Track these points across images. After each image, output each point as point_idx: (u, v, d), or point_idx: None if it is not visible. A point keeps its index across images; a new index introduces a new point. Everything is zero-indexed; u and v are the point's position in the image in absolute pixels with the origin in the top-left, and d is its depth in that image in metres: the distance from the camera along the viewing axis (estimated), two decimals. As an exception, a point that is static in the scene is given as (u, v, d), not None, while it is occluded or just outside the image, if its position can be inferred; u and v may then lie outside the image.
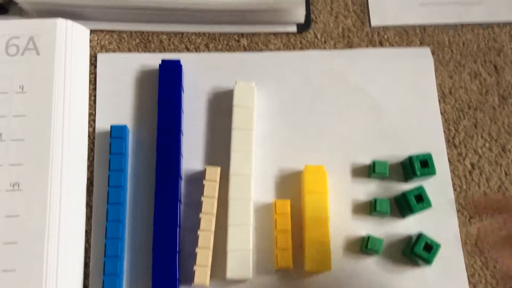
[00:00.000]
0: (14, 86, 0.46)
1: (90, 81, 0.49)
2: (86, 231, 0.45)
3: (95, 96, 0.49)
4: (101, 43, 0.50)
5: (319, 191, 0.45)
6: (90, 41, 0.50)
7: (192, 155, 0.48)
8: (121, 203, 0.44)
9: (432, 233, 0.45)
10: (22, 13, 0.50)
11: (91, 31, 0.50)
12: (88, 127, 0.48)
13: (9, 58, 0.46)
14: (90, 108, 0.48)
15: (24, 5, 0.48)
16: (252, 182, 0.45)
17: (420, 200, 0.45)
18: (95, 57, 0.50)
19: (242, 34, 0.51)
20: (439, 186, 0.47)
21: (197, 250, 0.43)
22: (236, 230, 0.44)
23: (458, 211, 0.47)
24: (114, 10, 0.49)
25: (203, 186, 0.45)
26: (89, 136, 0.48)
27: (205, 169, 0.45)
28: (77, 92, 0.47)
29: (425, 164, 0.46)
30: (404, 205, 0.45)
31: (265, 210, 0.46)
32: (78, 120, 0.47)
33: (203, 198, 0.45)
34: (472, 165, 0.48)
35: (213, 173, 0.45)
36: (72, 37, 0.48)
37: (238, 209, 0.44)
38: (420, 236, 0.44)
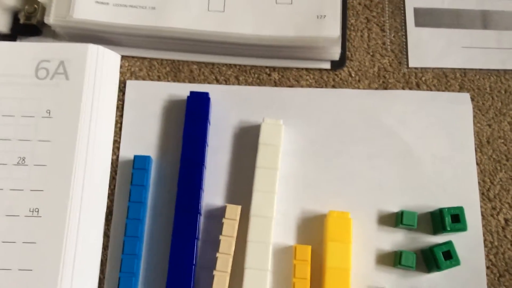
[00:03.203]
0: (41, 110, 0.46)
1: (117, 107, 0.48)
2: (101, 261, 0.45)
3: (121, 123, 0.48)
4: (131, 70, 0.50)
5: (342, 240, 0.43)
6: (121, 67, 0.50)
7: (213, 190, 0.46)
8: (138, 237, 0.44)
9: (459, 291, 0.43)
10: (54, 35, 0.50)
11: (122, 57, 0.50)
12: (112, 155, 0.47)
13: (38, 82, 0.46)
14: (115, 135, 0.48)
15: (57, 28, 0.48)
16: (273, 225, 0.44)
17: (448, 256, 0.42)
18: (124, 83, 0.49)
19: (274, 68, 0.50)
20: (469, 241, 0.45)
21: (211, 290, 0.42)
22: (252, 274, 0.42)
23: (487, 268, 0.45)
24: (146, 38, 0.48)
25: (222, 224, 0.44)
26: (112, 164, 0.47)
27: (225, 207, 0.44)
28: (104, 119, 0.47)
29: (456, 218, 0.43)
30: (431, 260, 0.43)
31: (284, 254, 0.45)
32: (102, 148, 0.46)
33: (221, 237, 0.43)
34: (506, 220, 0.46)
35: (233, 212, 0.44)
36: (102, 63, 0.47)
37: (256, 252, 0.43)
38: (446, 294, 0.42)
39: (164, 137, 0.48)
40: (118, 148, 0.47)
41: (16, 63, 0.47)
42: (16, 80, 0.46)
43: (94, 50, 0.47)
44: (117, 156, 0.47)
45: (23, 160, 0.45)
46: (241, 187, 0.46)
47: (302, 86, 0.49)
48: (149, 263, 0.45)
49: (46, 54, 0.47)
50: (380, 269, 0.44)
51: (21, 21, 0.49)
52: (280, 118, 0.47)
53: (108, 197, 0.46)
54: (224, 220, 0.44)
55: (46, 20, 0.47)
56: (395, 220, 0.45)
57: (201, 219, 0.45)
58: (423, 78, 0.50)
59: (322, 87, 0.49)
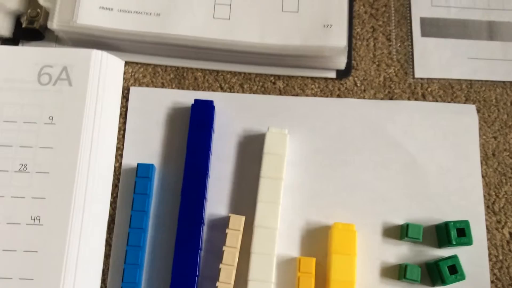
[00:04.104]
0: (44, 116, 0.45)
1: (120, 114, 0.48)
2: (103, 271, 0.44)
3: (124, 130, 0.47)
4: (135, 76, 0.49)
5: (347, 252, 0.42)
6: (124, 73, 0.49)
7: (217, 200, 0.46)
8: (141, 247, 0.43)
9: (463, 305, 0.43)
10: (57, 40, 0.49)
11: (126, 63, 0.49)
12: (115, 162, 0.47)
13: (41, 87, 0.46)
14: (118, 143, 0.47)
15: (60, 33, 0.47)
16: (277, 236, 0.43)
17: (453, 271, 0.42)
18: (128, 90, 0.49)
19: (279, 76, 0.49)
20: (474, 254, 0.45)
21: (214, 302, 0.42)
22: (256, 286, 0.42)
23: (492, 282, 0.44)
24: (150, 45, 0.48)
25: (225, 234, 0.43)
26: (114, 172, 0.46)
27: (229, 217, 0.44)
28: (107, 126, 0.46)
29: (461, 232, 0.43)
30: (436, 274, 0.43)
31: (288, 265, 0.44)
32: (105, 155, 0.46)
33: (224, 248, 0.43)
34: (511, 234, 0.46)
35: (237, 222, 0.44)
36: (106, 69, 0.47)
37: (260, 264, 0.42)
38: (450, 308, 0.42)
39: (167, 145, 0.47)
40: (121, 156, 0.47)
41: (19, 67, 0.46)
42: (18, 85, 0.46)
43: (98, 55, 0.47)
44: (120, 164, 0.47)
45: (25, 167, 0.44)
46: (245, 197, 0.46)
47: (307, 95, 0.49)
48: (151, 273, 0.44)
49: (49, 59, 0.46)
50: (384, 282, 0.44)
51: (24, 25, 0.48)
52: (285, 127, 0.46)
53: (111, 205, 0.46)
54: (227, 231, 0.43)
55: (49, 25, 0.46)
56: (400, 232, 0.45)
57: (205, 229, 0.45)
58: (429, 89, 0.49)
59: (327, 96, 0.49)
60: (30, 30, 0.48)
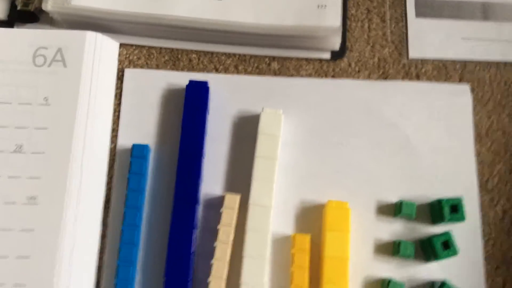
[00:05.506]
0: (39, 97, 0.45)
1: (115, 95, 0.48)
2: (99, 250, 0.45)
3: (119, 111, 0.48)
4: (129, 58, 0.49)
5: (340, 229, 0.43)
6: (119, 55, 0.49)
7: (212, 179, 0.46)
8: (137, 226, 0.44)
9: (456, 281, 0.43)
10: (52, 22, 0.49)
11: (121, 45, 0.49)
12: (110, 143, 0.47)
13: (36, 69, 0.46)
14: (113, 124, 0.47)
15: (55, 15, 0.47)
16: (272, 214, 0.44)
17: (446, 246, 0.43)
18: (123, 71, 0.49)
19: (274, 58, 0.50)
20: (467, 232, 0.45)
21: (210, 279, 0.42)
22: (251, 262, 0.42)
23: (485, 259, 0.45)
24: (145, 26, 0.48)
25: (220, 213, 0.44)
26: (110, 152, 0.47)
27: (224, 196, 0.44)
28: (101, 107, 0.46)
29: (454, 209, 0.44)
30: (429, 250, 0.43)
31: (283, 243, 0.45)
32: (100, 136, 0.46)
33: (219, 226, 0.43)
34: (504, 212, 0.46)
35: (232, 201, 0.44)
36: (101, 51, 0.47)
37: (255, 241, 0.43)
38: (443, 284, 0.42)
39: (162, 126, 0.47)
40: (116, 137, 0.47)
41: (14, 49, 0.46)
42: (13, 67, 0.46)
43: (93, 37, 0.47)
44: (115, 145, 0.47)
45: (20, 147, 0.44)
46: (240, 176, 0.46)
47: (301, 76, 0.49)
48: (147, 252, 0.44)
49: (44, 41, 0.46)
50: (378, 259, 0.44)
51: (18, 7, 0.48)
52: (280, 108, 0.46)
53: (106, 185, 0.46)
54: (223, 210, 0.44)
55: (44, 7, 0.46)
56: (394, 210, 0.45)
57: (200, 208, 0.45)
58: (423, 69, 0.50)
59: (322, 77, 0.49)
60: (25, 12, 0.48)
